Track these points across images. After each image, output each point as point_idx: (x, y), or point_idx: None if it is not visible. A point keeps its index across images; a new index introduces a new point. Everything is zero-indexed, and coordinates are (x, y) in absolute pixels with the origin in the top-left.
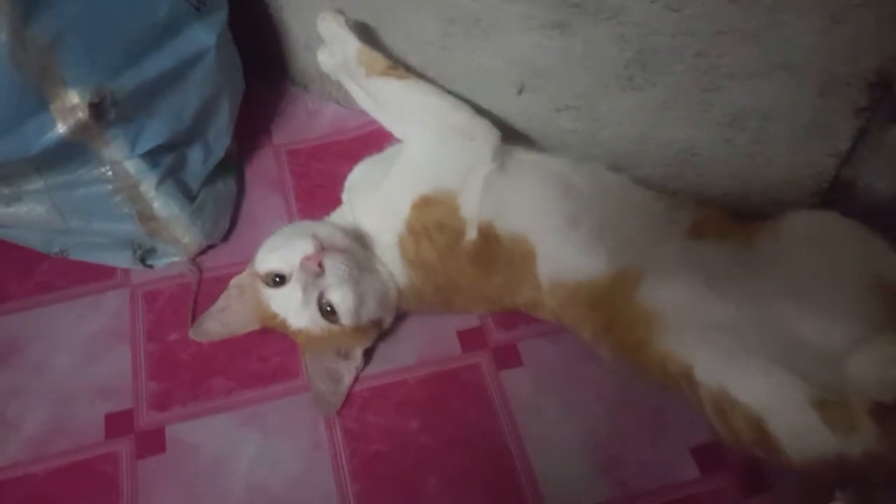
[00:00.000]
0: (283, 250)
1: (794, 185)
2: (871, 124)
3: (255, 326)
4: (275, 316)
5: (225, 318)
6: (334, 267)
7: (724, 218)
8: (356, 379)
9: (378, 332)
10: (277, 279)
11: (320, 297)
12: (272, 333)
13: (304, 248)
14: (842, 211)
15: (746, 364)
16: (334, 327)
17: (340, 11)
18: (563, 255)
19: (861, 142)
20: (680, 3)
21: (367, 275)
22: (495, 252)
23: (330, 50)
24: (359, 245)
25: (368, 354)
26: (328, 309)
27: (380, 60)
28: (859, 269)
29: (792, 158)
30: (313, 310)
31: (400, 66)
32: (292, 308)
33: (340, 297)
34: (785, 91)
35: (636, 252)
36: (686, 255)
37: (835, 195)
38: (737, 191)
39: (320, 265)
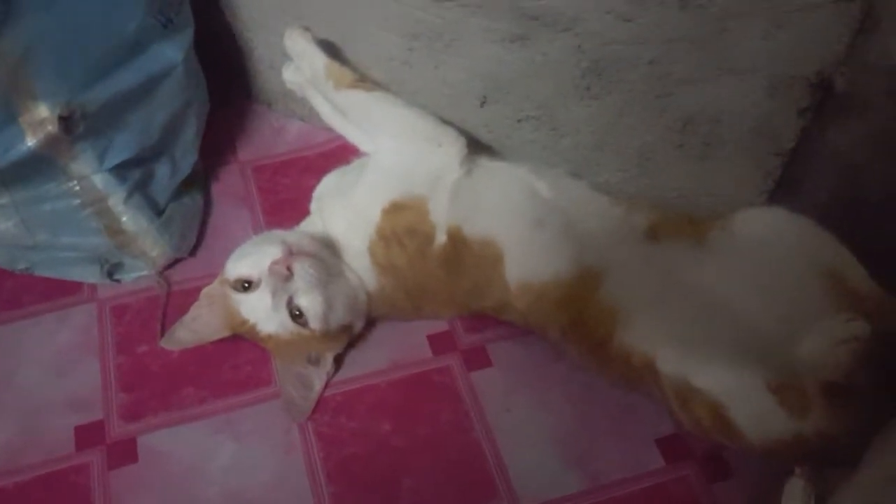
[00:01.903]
0: (253, 256)
1: (744, 185)
2: (813, 124)
3: (225, 333)
4: (244, 322)
5: (196, 327)
6: (303, 271)
7: (678, 218)
8: (327, 384)
9: (348, 338)
10: (246, 285)
11: (289, 301)
12: (242, 342)
13: (273, 252)
14: (789, 208)
15: (705, 354)
16: (304, 332)
17: (307, 28)
18: (529, 257)
19: (805, 141)
20: (632, 13)
21: (336, 280)
22: (463, 256)
23: (297, 65)
24: (328, 251)
25: (339, 360)
26: (297, 313)
27: (347, 74)
28: (807, 260)
29: (741, 159)
30: (283, 314)
31: (368, 80)
32: (261, 313)
33: (309, 302)
34: (733, 94)
35: (598, 253)
36: (644, 254)
37: (782, 193)
38: (690, 192)
39: (289, 269)
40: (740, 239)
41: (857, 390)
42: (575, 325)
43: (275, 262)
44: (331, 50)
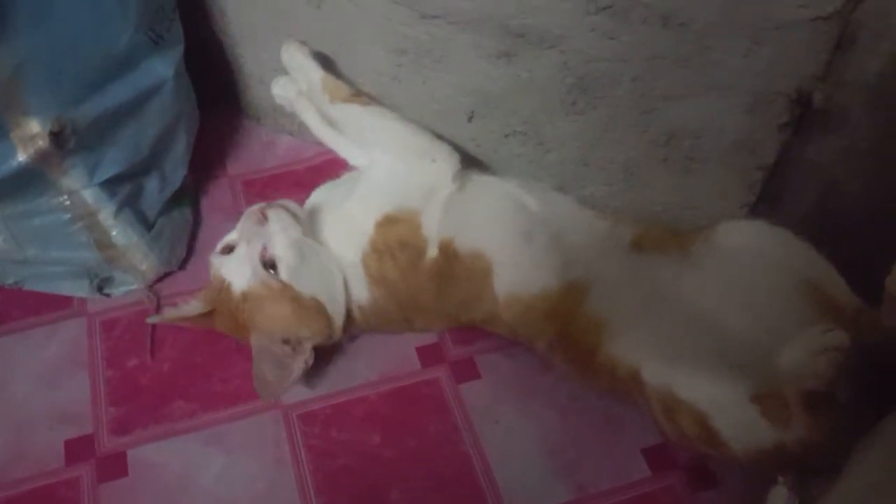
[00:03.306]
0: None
1: (727, 198)
2: (793, 139)
3: (207, 308)
4: (221, 283)
5: (183, 308)
6: (277, 216)
7: (662, 231)
8: (302, 376)
9: (326, 329)
10: (230, 250)
11: (263, 251)
12: (232, 355)
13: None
14: (771, 220)
15: (689, 364)
16: (274, 285)
17: (304, 42)
18: (517, 270)
19: (785, 156)
20: (617, 32)
21: (313, 247)
22: (455, 269)
23: (293, 78)
24: (306, 228)
25: (320, 360)
26: (270, 264)
27: (343, 88)
28: (788, 272)
29: (723, 173)
30: (255, 263)
31: (363, 94)
32: (235, 266)
33: (282, 248)
34: (715, 110)
35: (584, 265)
36: (629, 266)
37: (764, 206)
38: (674, 205)
39: (264, 214)
40: (722, 251)
41: (837, 400)
42: (562, 337)
43: (251, 210)
44: (326, 64)
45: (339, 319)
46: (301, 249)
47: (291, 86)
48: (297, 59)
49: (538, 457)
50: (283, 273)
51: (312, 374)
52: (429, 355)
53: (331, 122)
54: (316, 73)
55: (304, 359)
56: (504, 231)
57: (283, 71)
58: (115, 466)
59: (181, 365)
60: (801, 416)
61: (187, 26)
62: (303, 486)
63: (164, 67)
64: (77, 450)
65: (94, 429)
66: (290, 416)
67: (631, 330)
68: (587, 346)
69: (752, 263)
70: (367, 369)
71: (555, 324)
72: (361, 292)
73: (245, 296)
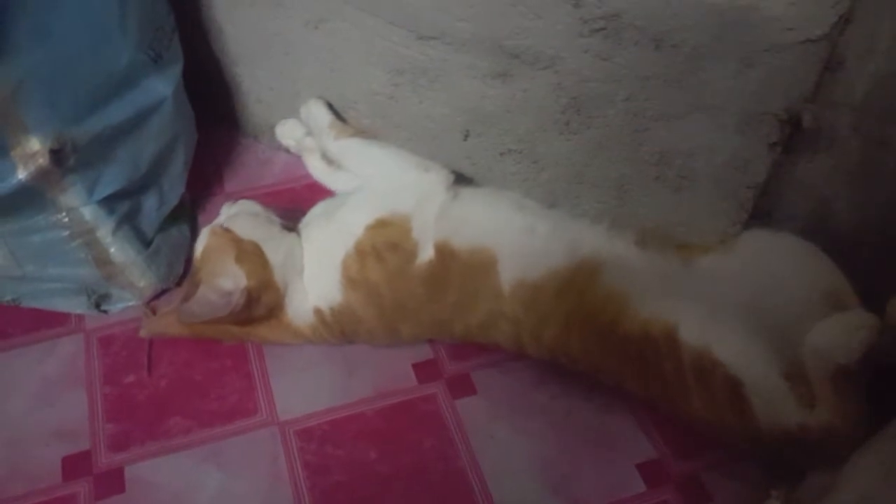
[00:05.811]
0: None
1: (718, 216)
2: (783, 158)
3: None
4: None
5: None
6: (246, 201)
7: (664, 236)
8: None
9: (264, 273)
10: None
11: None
12: (229, 373)
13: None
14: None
15: (730, 329)
16: (219, 230)
17: (320, 97)
18: (524, 256)
19: (775, 175)
20: (609, 53)
21: (273, 221)
22: (450, 269)
23: (304, 123)
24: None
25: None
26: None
27: (348, 128)
28: (812, 281)
29: (714, 191)
30: (213, 225)
31: (364, 132)
32: (200, 238)
33: (236, 210)
34: (706, 129)
35: (591, 246)
36: (637, 253)
37: (755, 224)
38: (666, 222)
39: (235, 201)
40: (745, 258)
41: (862, 386)
42: (578, 310)
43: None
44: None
45: (276, 260)
46: (255, 213)
47: (298, 129)
48: (313, 109)
49: (533, 472)
50: (228, 222)
51: (309, 390)
52: (425, 371)
53: (333, 159)
54: (326, 118)
55: (234, 283)
56: (506, 226)
57: (281, 93)
58: (112, 483)
59: (178, 381)
60: (828, 396)
61: (186, 45)
62: (300, 502)
63: (163, 86)
64: (74, 466)
65: (91, 445)
66: (286, 432)
67: (662, 299)
68: (609, 315)
69: (777, 270)
70: (363, 385)
71: (569, 299)
72: (334, 294)
73: (202, 255)
